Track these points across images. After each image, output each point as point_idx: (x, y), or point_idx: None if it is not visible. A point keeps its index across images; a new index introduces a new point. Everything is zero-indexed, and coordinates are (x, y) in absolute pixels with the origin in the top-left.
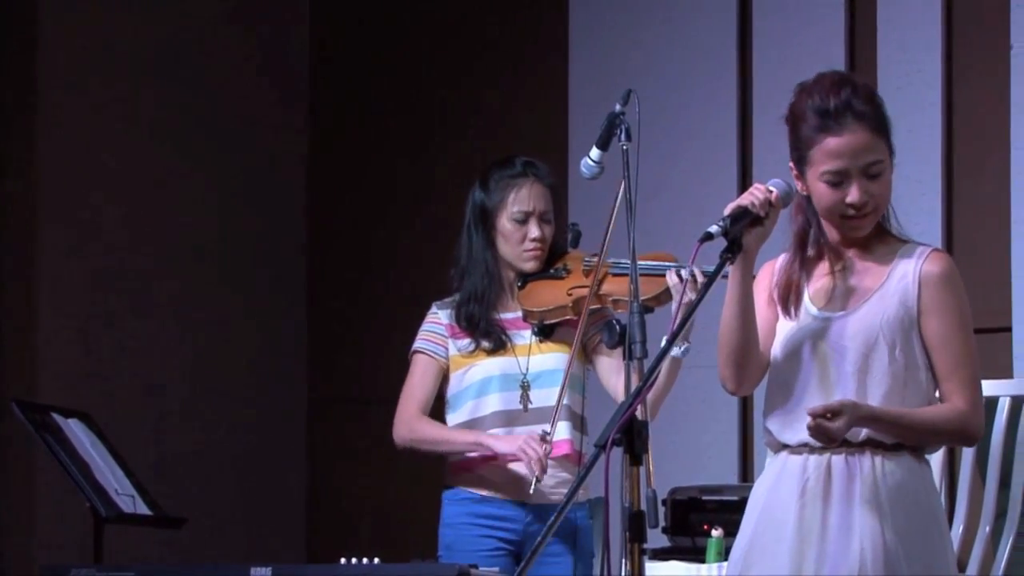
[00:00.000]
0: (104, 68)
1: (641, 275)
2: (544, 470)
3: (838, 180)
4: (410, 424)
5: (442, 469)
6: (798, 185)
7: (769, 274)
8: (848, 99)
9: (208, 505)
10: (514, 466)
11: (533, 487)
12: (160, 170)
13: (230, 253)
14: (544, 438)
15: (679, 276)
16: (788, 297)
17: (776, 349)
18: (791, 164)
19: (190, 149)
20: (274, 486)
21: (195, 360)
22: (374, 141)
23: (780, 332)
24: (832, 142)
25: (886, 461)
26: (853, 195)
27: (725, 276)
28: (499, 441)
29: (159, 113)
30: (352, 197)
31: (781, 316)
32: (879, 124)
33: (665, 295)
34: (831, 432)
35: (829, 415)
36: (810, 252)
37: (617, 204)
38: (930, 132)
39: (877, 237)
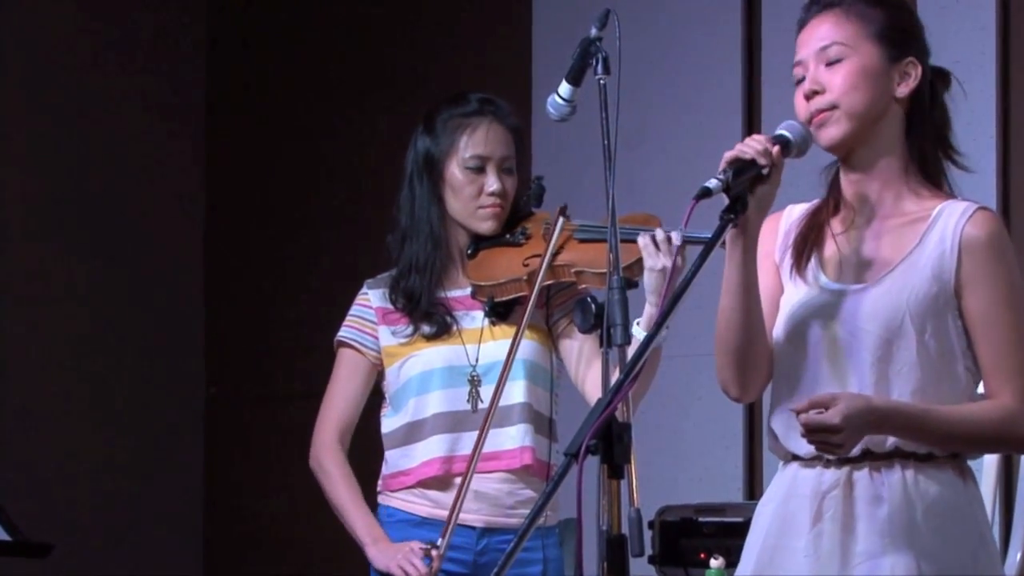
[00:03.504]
0: None
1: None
2: None
3: (800, 75)
4: (321, 458)
5: (371, 478)
6: None
7: (773, 231)
8: None
9: (82, 527)
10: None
11: None
12: (55, 157)
13: (119, 233)
14: (429, 551)
15: (655, 241)
16: (804, 249)
17: (779, 329)
18: None
19: (79, 137)
20: (164, 499)
21: (67, 350)
22: (284, 99)
23: (785, 306)
24: (800, 34)
25: (919, 475)
26: (804, 84)
27: (724, 244)
28: (378, 553)
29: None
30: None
31: (788, 283)
32: (860, 14)
33: (638, 266)
34: (830, 436)
35: (820, 409)
36: (827, 206)
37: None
38: (980, 61)
39: (909, 189)
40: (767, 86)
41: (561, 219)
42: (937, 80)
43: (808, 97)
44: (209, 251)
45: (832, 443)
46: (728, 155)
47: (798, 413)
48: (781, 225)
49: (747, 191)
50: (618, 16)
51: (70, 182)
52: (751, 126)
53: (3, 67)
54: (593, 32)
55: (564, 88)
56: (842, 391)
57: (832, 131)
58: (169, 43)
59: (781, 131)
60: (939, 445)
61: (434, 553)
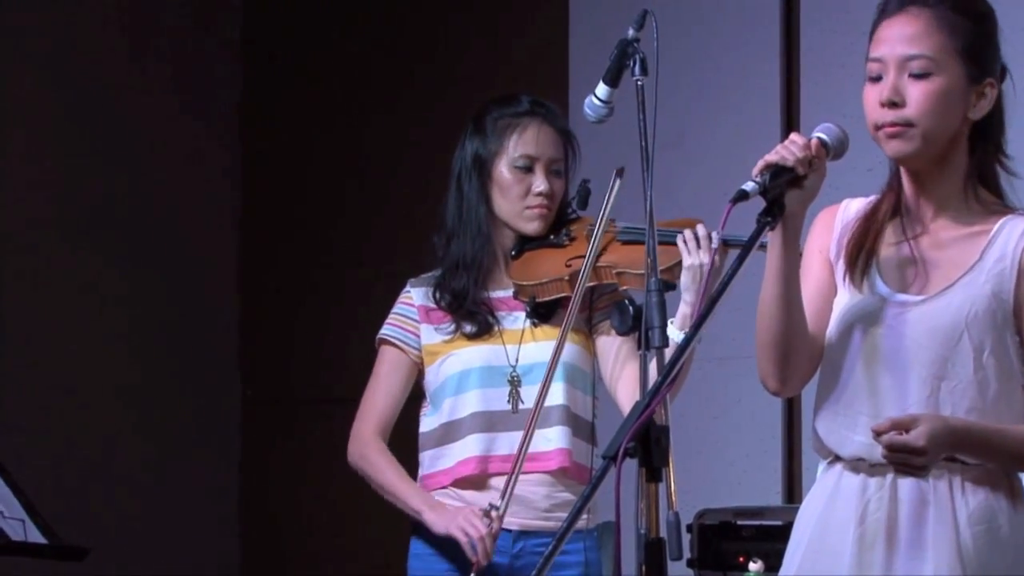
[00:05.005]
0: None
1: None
2: (489, 556)
3: (877, 72)
4: (363, 449)
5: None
6: None
7: (828, 226)
8: None
9: (117, 531)
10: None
11: None
12: (81, 150)
13: (152, 235)
14: (489, 512)
15: (693, 238)
16: (859, 256)
17: (831, 331)
18: None
19: (112, 139)
20: (201, 502)
21: (102, 356)
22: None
23: (839, 309)
24: (882, 25)
25: (966, 481)
26: (881, 90)
27: (763, 246)
28: (437, 517)
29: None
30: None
31: (841, 286)
32: (951, 25)
33: (678, 268)
34: (912, 458)
35: (900, 431)
36: (884, 206)
37: (614, 189)
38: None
39: (970, 200)
40: (806, 86)
41: (605, 220)
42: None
43: (884, 104)
44: (244, 252)
45: (914, 464)
46: (767, 159)
47: (878, 434)
48: (837, 220)
49: (784, 192)
50: (655, 17)
51: (104, 183)
52: (789, 127)
53: (37, 67)
54: (630, 33)
55: (601, 89)
56: (909, 408)
57: (903, 147)
58: (204, 43)
59: (819, 134)
60: (1010, 464)
61: (493, 514)
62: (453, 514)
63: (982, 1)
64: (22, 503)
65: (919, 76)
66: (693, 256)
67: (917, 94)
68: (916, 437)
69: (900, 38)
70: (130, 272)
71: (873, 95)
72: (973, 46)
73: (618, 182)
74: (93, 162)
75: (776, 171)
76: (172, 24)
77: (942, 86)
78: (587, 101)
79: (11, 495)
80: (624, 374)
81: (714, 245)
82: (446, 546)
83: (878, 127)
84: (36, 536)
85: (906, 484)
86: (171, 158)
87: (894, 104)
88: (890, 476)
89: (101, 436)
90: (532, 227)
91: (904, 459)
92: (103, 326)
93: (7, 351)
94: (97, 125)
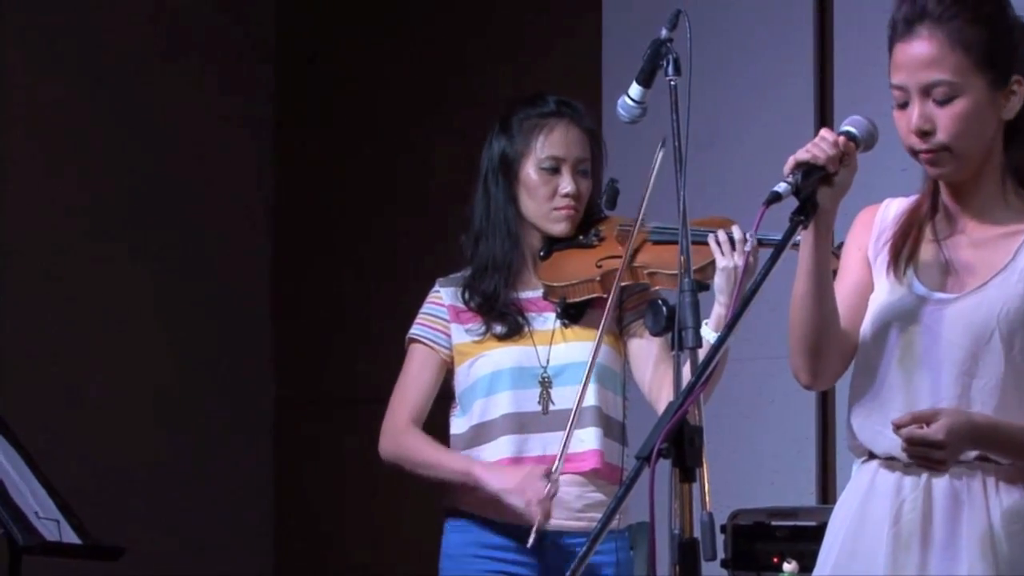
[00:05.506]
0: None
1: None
2: (548, 516)
3: (902, 99)
4: (397, 438)
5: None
6: None
7: (867, 225)
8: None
9: (152, 530)
10: (513, 501)
11: (532, 539)
12: (115, 151)
13: (186, 236)
14: (549, 474)
15: (726, 240)
16: (903, 248)
17: (867, 329)
18: None
19: (146, 141)
20: (234, 504)
21: (136, 354)
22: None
23: (874, 305)
24: (896, 48)
25: (1000, 481)
26: (909, 118)
27: (796, 245)
28: (493, 475)
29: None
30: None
31: (880, 282)
32: (963, 40)
33: (711, 268)
34: (932, 451)
35: (921, 424)
36: (924, 207)
37: (658, 159)
38: None
39: (1007, 198)
40: (839, 86)
41: (640, 220)
42: None
43: (915, 133)
44: (278, 253)
45: (934, 458)
46: (797, 157)
47: (898, 427)
48: (877, 219)
49: (816, 190)
50: (689, 17)
51: (138, 184)
52: (823, 126)
53: (70, 67)
54: (663, 33)
55: (634, 90)
56: (940, 406)
57: (944, 171)
58: (238, 46)
59: (847, 127)
60: None
61: (553, 477)
62: (512, 472)
63: (989, 2)
64: (57, 504)
65: (943, 102)
66: (727, 258)
67: (945, 120)
68: (936, 431)
69: (917, 64)
70: (164, 274)
71: (903, 122)
72: (991, 54)
73: (662, 152)
74: (127, 163)
75: (807, 170)
76: (206, 27)
77: (968, 106)
78: (620, 101)
79: (46, 496)
80: (666, 381)
81: (748, 247)
82: (482, 524)
83: (914, 153)
84: (71, 536)
85: (941, 483)
86: (205, 160)
87: (925, 133)
88: (925, 475)
89: (135, 438)
90: (560, 228)
91: (923, 452)
92: (136, 327)
93: (41, 352)
94: (131, 126)
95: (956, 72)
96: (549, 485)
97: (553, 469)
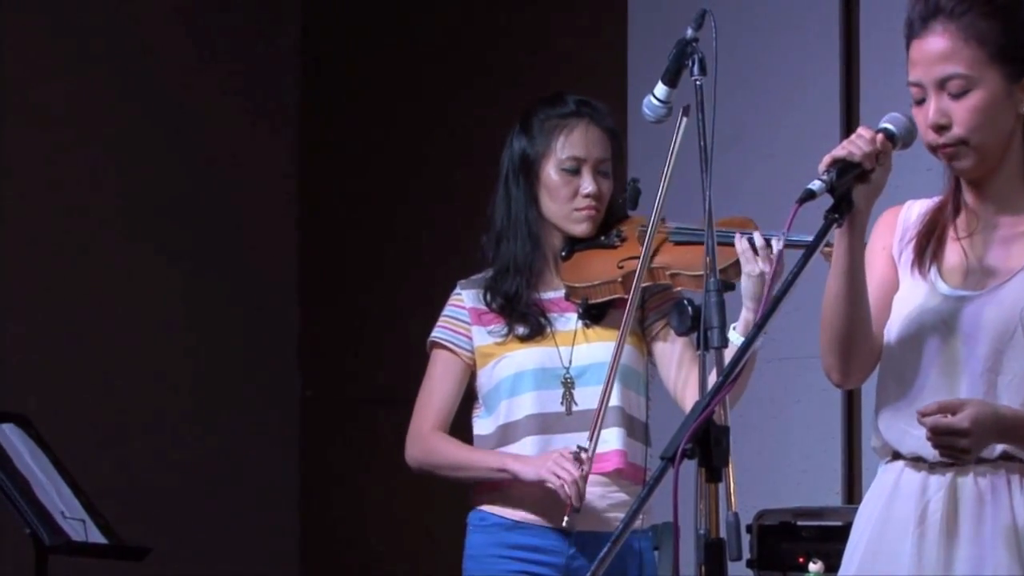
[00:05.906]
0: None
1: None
2: (581, 496)
3: (920, 96)
4: (424, 444)
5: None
6: None
7: (891, 225)
8: None
9: (177, 531)
10: (549, 483)
11: (566, 519)
12: (143, 151)
13: (213, 235)
14: (579, 455)
15: (752, 246)
16: (926, 251)
17: (892, 328)
18: None
19: (175, 139)
20: (261, 503)
21: (163, 354)
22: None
23: (899, 305)
24: (912, 46)
25: None
26: (926, 114)
27: (829, 245)
28: (524, 465)
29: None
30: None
31: (905, 281)
32: (977, 33)
33: (734, 268)
34: (957, 440)
35: (946, 414)
36: (948, 205)
37: (673, 152)
38: None
39: None
40: (865, 85)
41: (655, 220)
42: None
43: (932, 128)
44: (304, 253)
45: (959, 447)
46: (834, 154)
47: (924, 415)
48: (900, 220)
49: (851, 188)
50: (714, 16)
51: (165, 184)
52: (849, 126)
53: (101, 69)
54: (689, 33)
55: (660, 89)
56: (966, 398)
57: (963, 165)
58: (265, 47)
59: (886, 124)
60: None
61: (584, 457)
62: (543, 459)
63: None
64: (82, 503)
65: (958, 96)
66: (752, 264)
67: (961, 113)
68: (961, 419)
69: (931, 59)
70: (191, 272)
71: (921, 119)
72: (1006, 46)
73: (684, 120)
74: (155, 163)
75: (843, 167)
76: (234, 28)
77: (983, 99)
78: (646, 101)
79: (72, 495)
80: (685, 377)
81: (777, 248)
82: (506, 525)
83: (933, 148)
84: (97, 536)
85: (966, 483)
86: (232, 159)
87: (941, 127)
88: (950, 475)
89: (161, 435)
90: (580, 229)
91: (948, 442)
92: (164, 325)
93: (68, 352)
94: (159, 127)
95: (970, 65)
96: (582, 465)
97: (585, 450)
